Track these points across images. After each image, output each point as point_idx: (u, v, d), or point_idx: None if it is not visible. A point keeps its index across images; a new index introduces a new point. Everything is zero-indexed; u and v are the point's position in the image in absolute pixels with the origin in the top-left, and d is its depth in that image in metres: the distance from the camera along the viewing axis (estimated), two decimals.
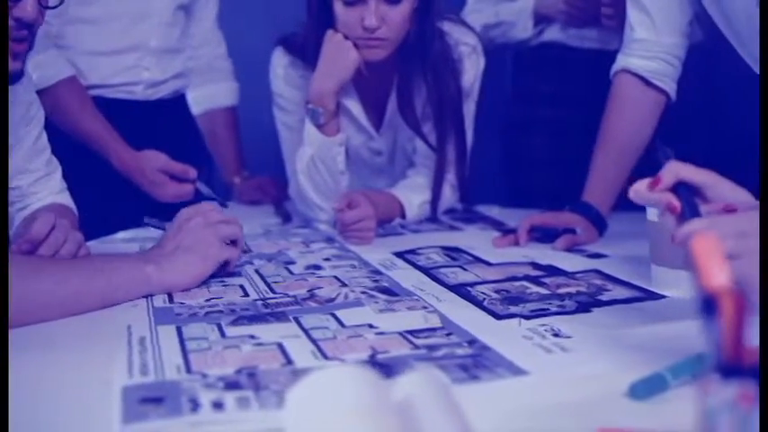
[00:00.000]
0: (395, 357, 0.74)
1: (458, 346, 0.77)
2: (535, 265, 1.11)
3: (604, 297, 0.94)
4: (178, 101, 1.68)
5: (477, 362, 0.72)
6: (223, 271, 1.04)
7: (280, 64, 1.51)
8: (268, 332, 0.81)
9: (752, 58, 1.18)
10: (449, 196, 1.52)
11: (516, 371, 0.70)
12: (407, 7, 1.34)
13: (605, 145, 1.30)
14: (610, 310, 0.89)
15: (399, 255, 1.19)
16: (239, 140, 1.83)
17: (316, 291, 0.98)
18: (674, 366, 0.66)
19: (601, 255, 1.17)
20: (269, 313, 0.89)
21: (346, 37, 1.36)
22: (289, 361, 0.73)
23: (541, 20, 1.73)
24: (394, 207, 1.44)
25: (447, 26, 1.47)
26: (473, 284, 1.01)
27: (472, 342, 0.78)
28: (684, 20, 1.25)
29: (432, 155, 1.49)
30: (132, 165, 1.43)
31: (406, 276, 1.06)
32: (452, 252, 1.21)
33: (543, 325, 0.83)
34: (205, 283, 1.01)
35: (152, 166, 1.42)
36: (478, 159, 1.60)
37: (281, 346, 0.77)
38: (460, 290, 0.98)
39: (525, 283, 1.01)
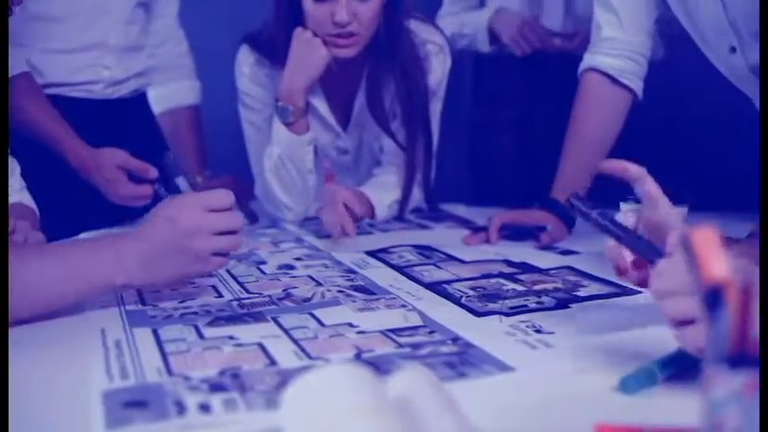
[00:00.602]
0: (380, 356, 0.73)
1: (441, 343, 0.76)
2: (508, 263, 1.11)
3: (581, 293, 0.94)
4: (138, 100, 1.64)
5: (462, 359, 0.72)
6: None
7: (245, 62, 1.49)
8: (247, 333, 0.80)
9: (716, 58, 1.20)
10: (416, 195, 1.51)
11: (503, 367, 0.70)
12: (377, 3, 1.33)
13: (573, 142, 1.31)
14: (588, 305, 0.90)
15: (371, 254, 1.18)
16: (202, 140, 1.79)
17: (291, 290, 0.97)
18: (662, 360, 0.66)
19: (572, 251, 1.18)
20: (246, 314, 0.87)
21: (315, 34, 1.35)
22: (272, 361, 0.72)
23: (496, 39, 1.74)
24: (365, 206, 1.43)
25: (414, 25, 1.46)
26: (449, 282, 1.01)
27: (456, 339, 0.77)
28: (651, 19, 1.27)
29: (400, 153, 1.48)
30: (90, 162, 1.37)
31: (381, 275, 1.05)
32: (424, 250, 1.20)
33: (524, 321, 0.83)
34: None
35: (110, 163, 1.37)
36: (442, 158, 1.60)
37: (262, 347, 0.75)
38: (437, 288, 0.98)
39: (501, 280, 1.01)
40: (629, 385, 0.63)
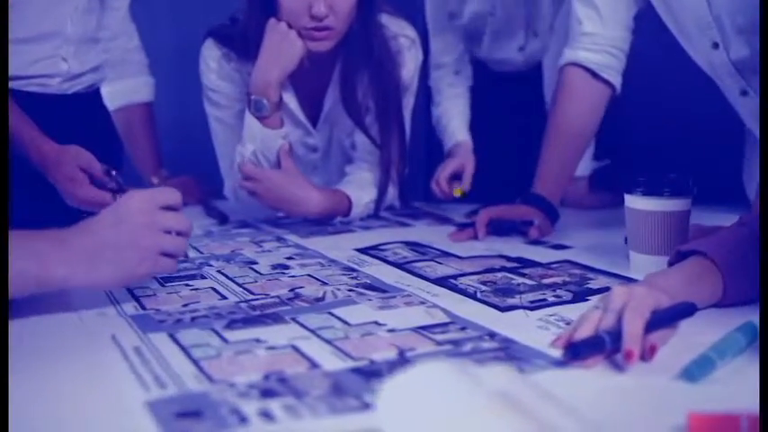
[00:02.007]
0: (425, 354, 0.70)
1: (480, 339, 0.74)
2: (507, 258, 1.10)
3: (593, 285, 0.94)
4: (94, 95, 1.56)
5: (509, 355, 0.70)
6: None
7: (212, 57, 1.43)
8: (273, 335, 0.76)
9: (697, 53, 1.22)
10: (391, 192, 1.49)
11: (555, 362, 0.68)
12: None
13: (554, 136, 1.31)
14: None
15: (363, 251, 1.15)
16: (157, 138, 1.72)
17: (298, 290, 0.93)
18: (717, 346, 0.66)
19: (564, 246, 1.18)
20: (261, 315, 0.83)
21: (290, 26, 1.31)
22: (313, 364, 0.68)
23: None
24: (342, 204, 1.40)
25: (385, 19, 1.44)
26: (455, 277, 0.99)
27: (493, 335, 0.75)
28: (630, 14, 1.28)
29: (372, 150, 1.45)
30: (52, 157, 1.28)
31: (383, 272, 1.02)
32: (417, 247, 1.18)
33: (552, 315, 0.82)
34: (173, 288, 0.94)
35: (73, 162, 1.28)
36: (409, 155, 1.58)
37: (296, 349, 0.71)
38: (447, 283, 0.96)
39: (507, 275, 1.00)
40: (694, 373, 0.63)
